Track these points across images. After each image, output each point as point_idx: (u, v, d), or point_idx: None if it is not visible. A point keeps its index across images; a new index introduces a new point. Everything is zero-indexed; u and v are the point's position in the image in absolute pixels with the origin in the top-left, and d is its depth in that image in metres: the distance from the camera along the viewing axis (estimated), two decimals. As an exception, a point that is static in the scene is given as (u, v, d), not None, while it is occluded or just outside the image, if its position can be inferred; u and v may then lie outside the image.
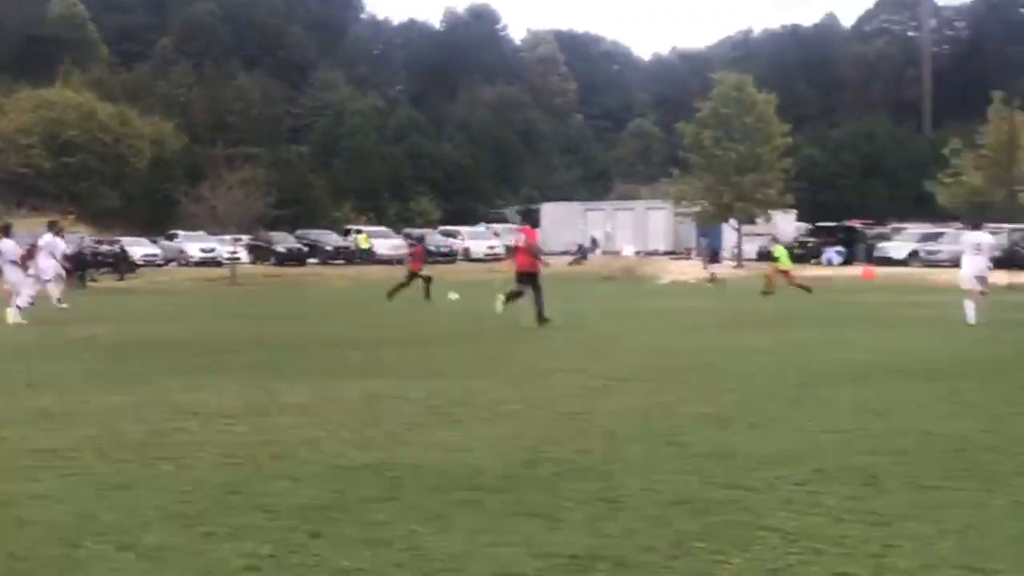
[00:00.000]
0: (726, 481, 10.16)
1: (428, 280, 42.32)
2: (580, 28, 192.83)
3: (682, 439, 12.31)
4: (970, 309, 29.68)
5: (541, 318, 28.31)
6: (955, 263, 69.59)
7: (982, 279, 30.23)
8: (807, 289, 45.36)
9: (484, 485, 10.05)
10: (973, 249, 30.67)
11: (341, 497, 9.61)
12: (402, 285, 41.92)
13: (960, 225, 59.45)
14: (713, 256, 66.82)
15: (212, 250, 77.21)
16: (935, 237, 76.55)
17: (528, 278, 29.07)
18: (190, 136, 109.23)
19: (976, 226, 32.27)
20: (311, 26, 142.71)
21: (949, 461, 11.06)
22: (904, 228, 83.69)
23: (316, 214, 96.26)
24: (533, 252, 29.27)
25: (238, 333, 27.84)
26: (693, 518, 8.85)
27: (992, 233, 34.82)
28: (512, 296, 29.60)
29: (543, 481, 10.23)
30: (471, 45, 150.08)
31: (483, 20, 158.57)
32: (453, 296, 42.07)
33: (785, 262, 47.40)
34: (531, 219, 31.61)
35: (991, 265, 31.48)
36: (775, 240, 52.47)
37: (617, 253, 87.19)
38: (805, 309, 37.67)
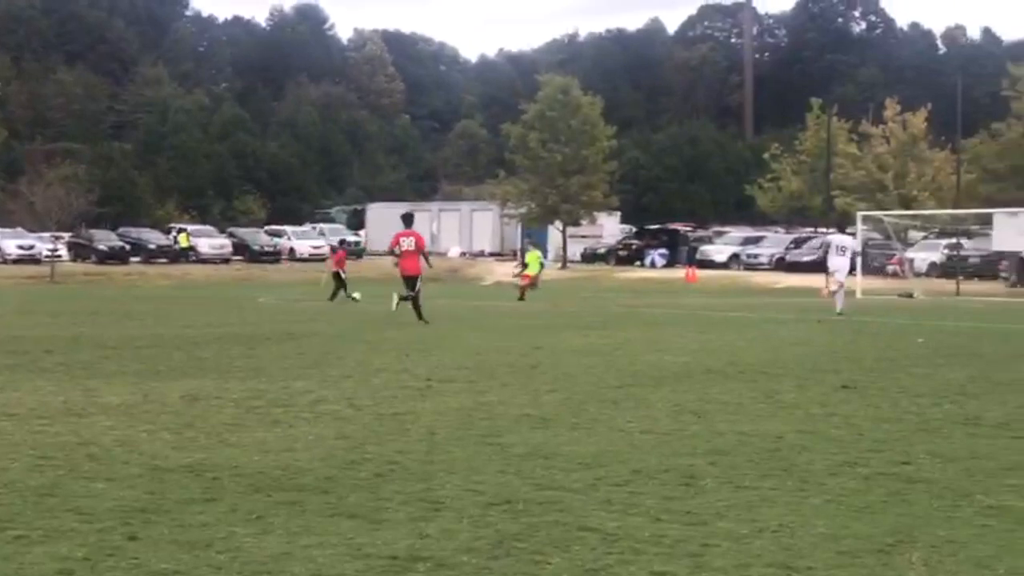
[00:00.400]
0: (546, 482, 10.22)
1: (341, 283, 43.00)
2: (407, 29, 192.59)
3: (503, 440, 12.37)
4: (839, 300, 34.47)
5: (420, 317, 30.12)
6: (775, 266, 71.19)
7: (842, 274, 35.05)
8: (521, 297, 44.86)
9: (305, 486, 10.00)
10: (838, 250, 35.29)
11: (159, 499, 9.49)
12: (340, 287, 42.87)
13: (825, 229, 60.69)
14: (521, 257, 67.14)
15: (31, 247, 75.60)
16: (756, 241, 77.94)
17: (414, 281, 30.67)
18: (8, 131, 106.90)
19: (841, 229, 36.41)
20: (134, 21, 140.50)
21: (765, 461, 11.27)
22: (726, 231, 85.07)
23: (139, 212, 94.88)
24: (425, 255, 31.19)
25: (56, 332, 27.34)
26: (513, 519, 8.89)
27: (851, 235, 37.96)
28: (405, 298, 30.88)
29: (364, 482, 10.21)
30: (297, 44, 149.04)
31: (309, 19, 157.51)
32: (356, 296, 42.10)
33: (533, 267, 47.16)
34: (412, 221, 32.29)
35: (851, 266, 36.31)
36: (532, 245, 52.34)
37: (443, 254, 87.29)
38: (626, 311, 38.07)
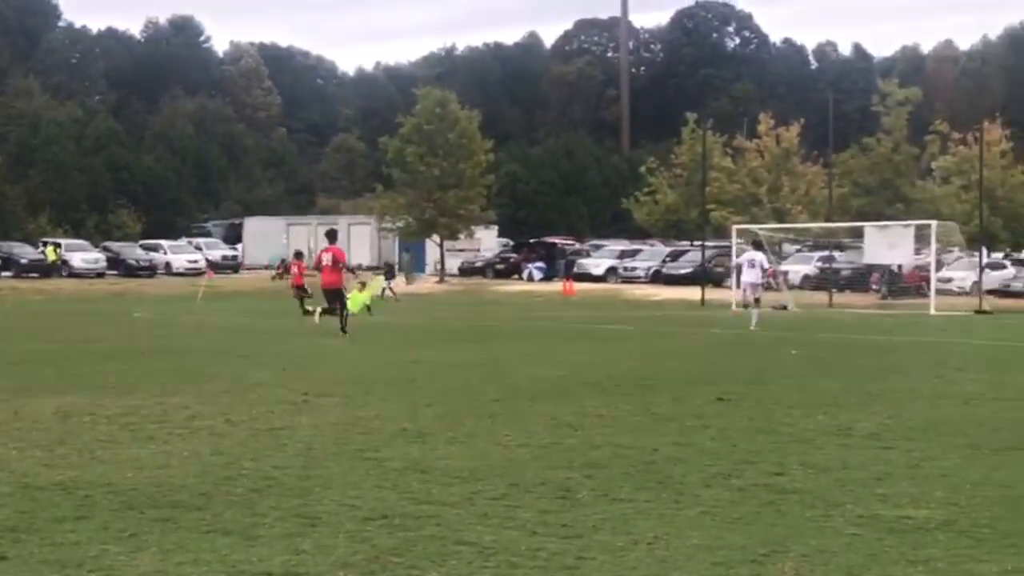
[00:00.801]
0: (423, 496, 10.23)
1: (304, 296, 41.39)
2: (284, 42, 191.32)
3: (380, 454, 12.35)
4: (754, 315, 35.27)
5: (343, 329, 30.91)
6: (652, 279, 71.71)
7: (755, 287, 36.19)
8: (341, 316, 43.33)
9: (179, 503, 9.91)
10: (748, 264, 36.57)
11: (30, 517, 9.35)
12: (303, 300, 40.90)
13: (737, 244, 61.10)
14: (389, 271, 66.93)
15: (-102, 262, 74.16)
16: (633, 254, 78.48)
17: (334, 294, 32.00)
18: None
19: (757, 245, 37.36)
20: (4, 31, 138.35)
21: (640, 474, 11.35)
22: (603, 245, 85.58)
23: (10, 226, 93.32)
24: (343, 269, 32.53)
25: (-76, 349, 26.83)
26: (390, 533, 8.88)
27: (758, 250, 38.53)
28: (327, 312, 32.17)
29: (240, 498, 10.14)
30: (173, 56, 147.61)
31: (185, 32, 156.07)
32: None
33: (375, 286, 46.46)
34: (335, 237, 33.74)
35: (762, 279, 37.34)
36: (401, 259, 52.34)
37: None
38: (503, 325, 38.16)
